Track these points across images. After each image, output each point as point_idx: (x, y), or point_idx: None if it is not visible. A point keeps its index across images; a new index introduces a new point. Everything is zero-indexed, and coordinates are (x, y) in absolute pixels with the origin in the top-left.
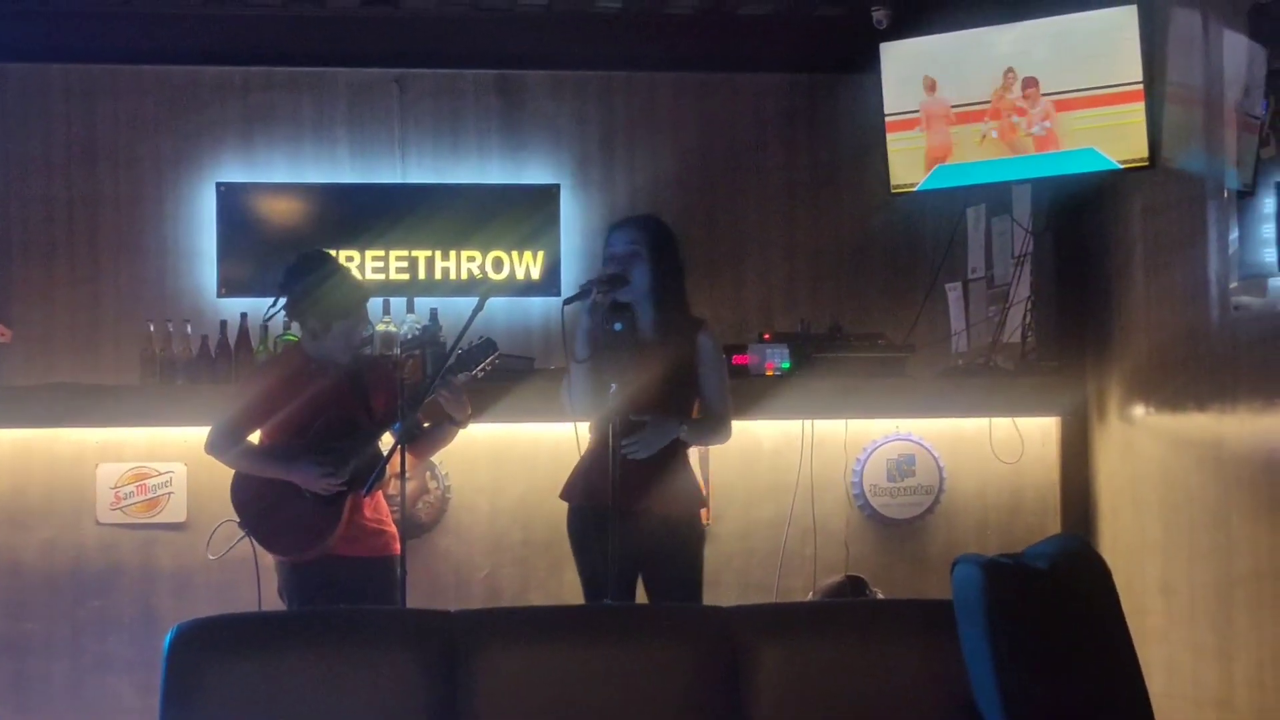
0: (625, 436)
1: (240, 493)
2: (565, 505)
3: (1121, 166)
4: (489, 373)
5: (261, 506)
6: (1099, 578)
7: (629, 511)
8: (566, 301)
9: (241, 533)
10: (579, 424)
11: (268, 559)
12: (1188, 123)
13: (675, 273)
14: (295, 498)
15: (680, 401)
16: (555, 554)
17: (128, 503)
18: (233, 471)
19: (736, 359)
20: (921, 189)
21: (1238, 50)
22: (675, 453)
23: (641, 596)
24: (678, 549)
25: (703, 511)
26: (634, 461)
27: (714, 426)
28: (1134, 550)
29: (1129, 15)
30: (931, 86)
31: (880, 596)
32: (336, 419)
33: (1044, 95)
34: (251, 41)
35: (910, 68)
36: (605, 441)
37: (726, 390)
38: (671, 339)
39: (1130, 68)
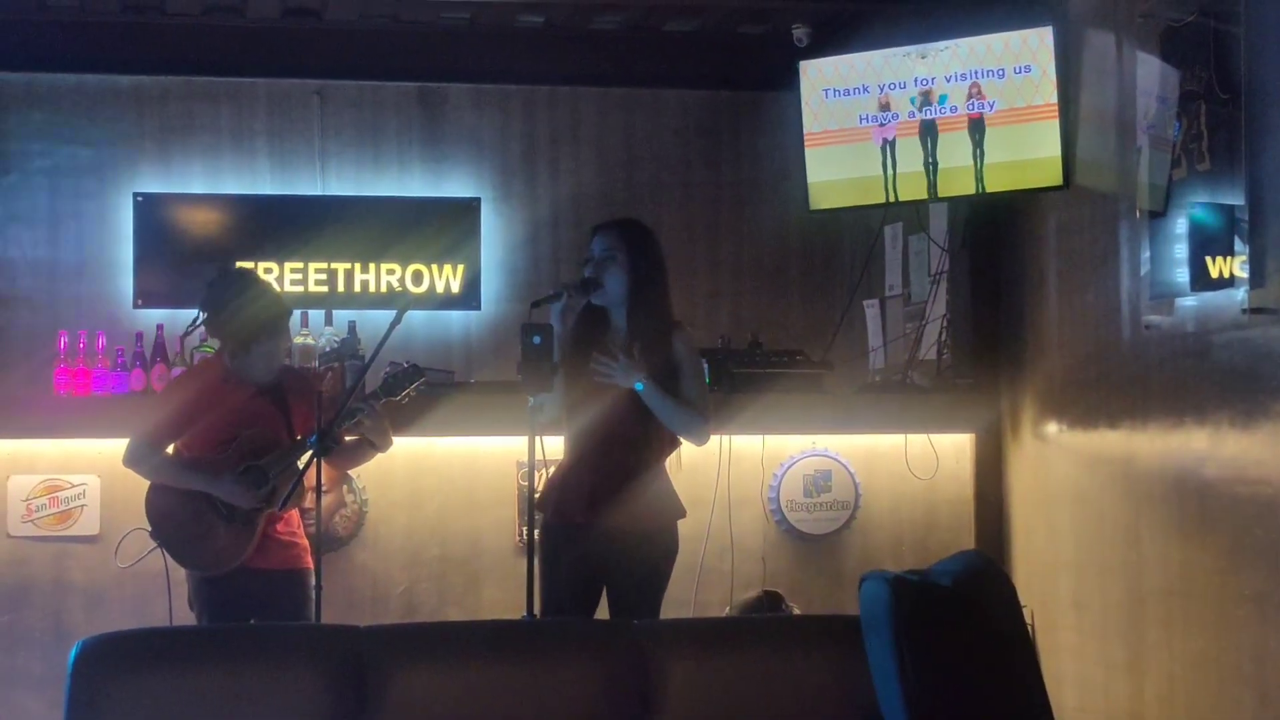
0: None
1: (156, 505)
2: (484, 521)
3: (1036, 187)
4: (413, 398)
5: (176, 520)
6: (1003, 594)
7: (601, 527)
8: (535, 304)
9: (153, 543)
10: (544, 439)
11: (179, 571)
12: (1101, 144)
13: (654, 277)
14: (210, 512)
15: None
16: (473, 569)
17: (39, 515)
18: (148, 483)
19: None
20: (838, 206)
21: (1150, 72)
22: (652, 467)
23: (604, 611)
24: (645, 563)
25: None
26: (609, 476)
27: (686, 411)
28: (1047, 566)
29: (1044, 36)
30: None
31: (796, 612)
32: (258, 433)
33: (961, 114)
34: (170, 50)
35: (829, 86)
36: (580, 456)
37: (705, 391)
38: (647, 347)
39: (1045, 89)
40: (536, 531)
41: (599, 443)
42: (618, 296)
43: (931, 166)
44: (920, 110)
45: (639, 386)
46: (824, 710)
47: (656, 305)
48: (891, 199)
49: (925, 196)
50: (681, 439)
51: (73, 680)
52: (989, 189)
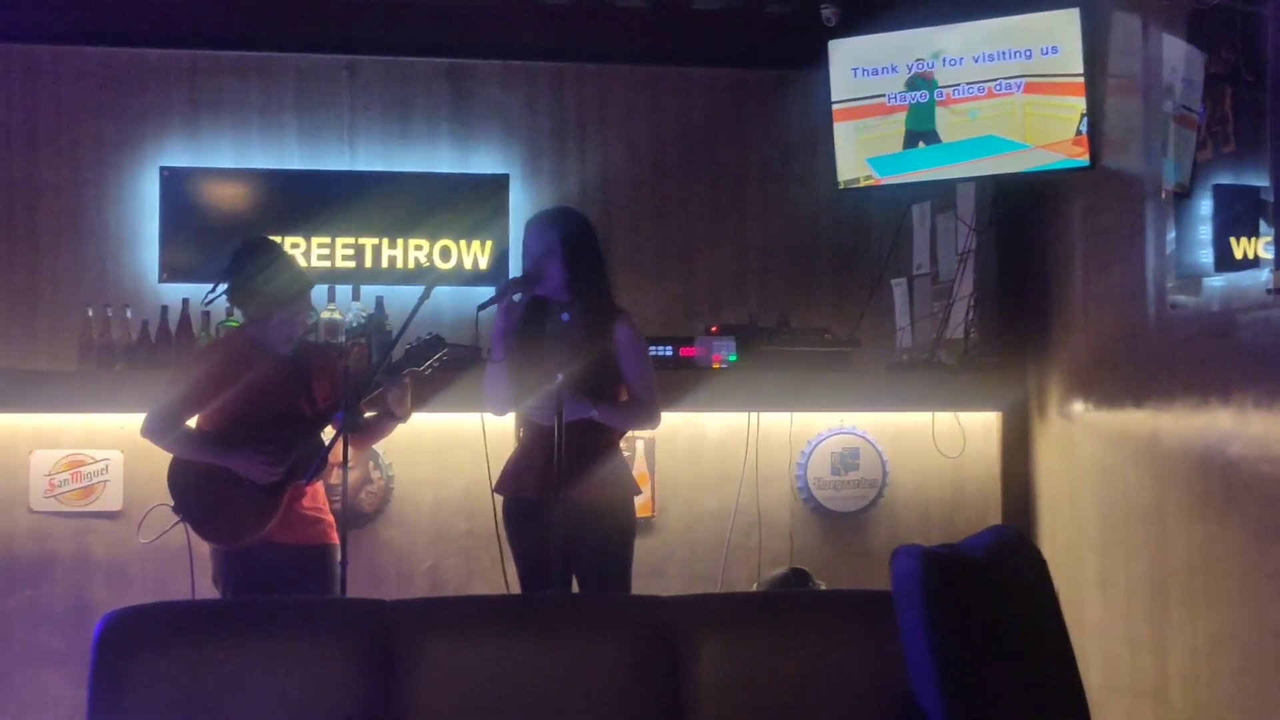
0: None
1: (178, 478)
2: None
3: (1063, 166)
4: (436, 368)
5: (199, 493)
6: (1035, 569)
7: (556, 504)
8: (481, 307)
9: (175, 518)
10: (510, 417)
11: (202, 547)
12: (1128, 124)
13: (592, 265)
14: (234, 485)
15: (603, 393)
16: (500, 545)
17: (62, 490)
18: (170, 456)
19: (684, 351)
20: (868, 183)
21: (1176, 54)
22: (602, 441)
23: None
24: (604, 538)
25: (638, 500)
26: (563, 455)
27: (636, 411)
28: (1072, 544)
29: (1071, 18)
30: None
31: (823, 588)
32: (278, 407)
33: (988, 94)
34: (199, 24)
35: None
36: (535, 435)
37: (650, 377)
38: (589, 332)
39: (1072, 69)
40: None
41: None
42: (558, 286)
43: (960, 145)
44: (947, 89)
45: (594, 414)
46: (854, 685)
47: (597, 292)
48: (919, 178)
49: (953, 176)
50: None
51: (98, 654)
52: (1021, 169)
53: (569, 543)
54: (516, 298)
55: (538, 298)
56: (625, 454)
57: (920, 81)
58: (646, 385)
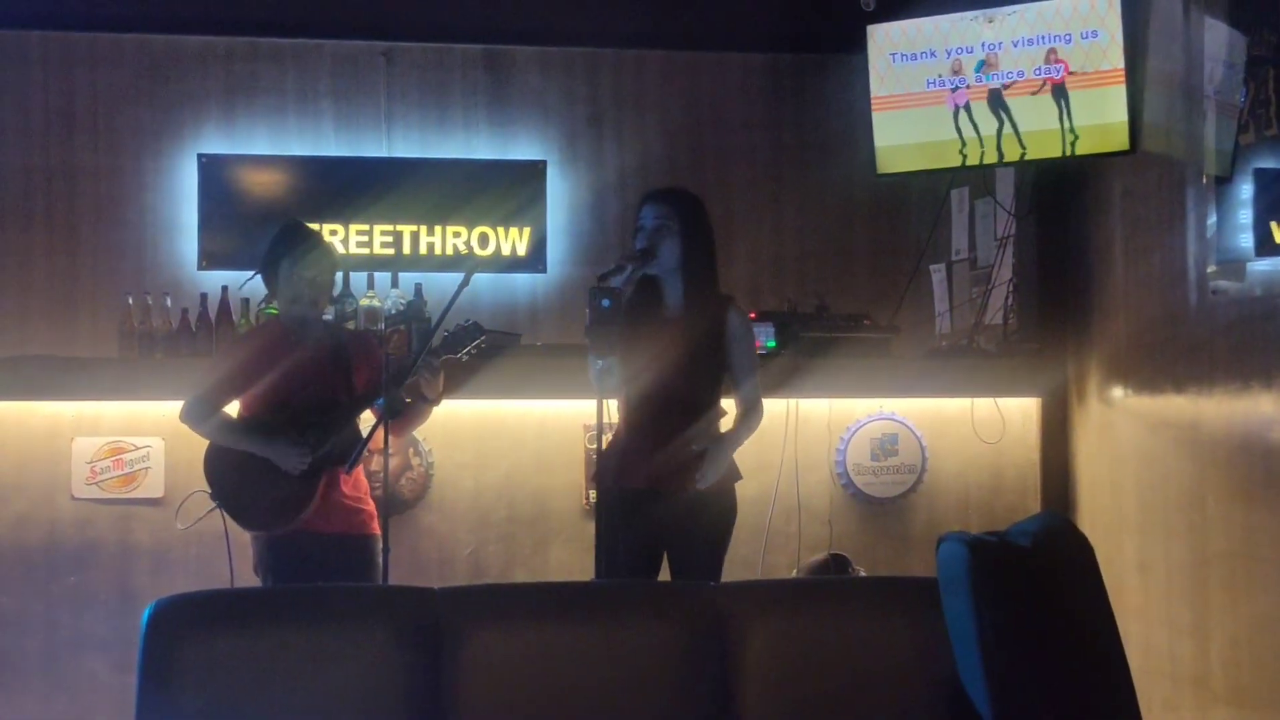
0: (670, 435)
1: (214, 465)
2: (551, 483)
3: (1103, 151)
4: (473, 355)
5: (235, 480)
6: (1082, 555)
7: (662, 492)
8: (600, 278)
9: (212, 504)
10: (609, 402)
11: (242, 535)
12: (1168, 109)
13: (705, 248)
14: (270, 472)
15: (707, 378)
16: (540, 531)
17: (104, 477)
18: (208, 443)
19: None
20: (906, 170)
21: (1218, 37)
22: (710, 430)
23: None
24: (706, 527)
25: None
26: (665, 441)
27: (748, 419)
28: (1112, 529)
29: (1111, 1)
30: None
31: (863, 574)
32: (317, 394)
33: (1028, 79)
34: (236, 11)
35: (897, 50)
36: (637, 423)
37: (755, 369)
38: (699, 315)
39: (1112, 54)
40: (593, 495)
41: (654, 409)
42: (670, 266)
43: (1005, 131)
44: (988, 76)
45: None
46: (900, 672)
47: (707, 275)
48: (964, 163)
49: (997, 161)
50: None
51: (146, 641)
52: (1077, 153)
53: (668, 532)
54: (628, 274)
55: (649, 277)
56: None
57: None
58: (751, 378)
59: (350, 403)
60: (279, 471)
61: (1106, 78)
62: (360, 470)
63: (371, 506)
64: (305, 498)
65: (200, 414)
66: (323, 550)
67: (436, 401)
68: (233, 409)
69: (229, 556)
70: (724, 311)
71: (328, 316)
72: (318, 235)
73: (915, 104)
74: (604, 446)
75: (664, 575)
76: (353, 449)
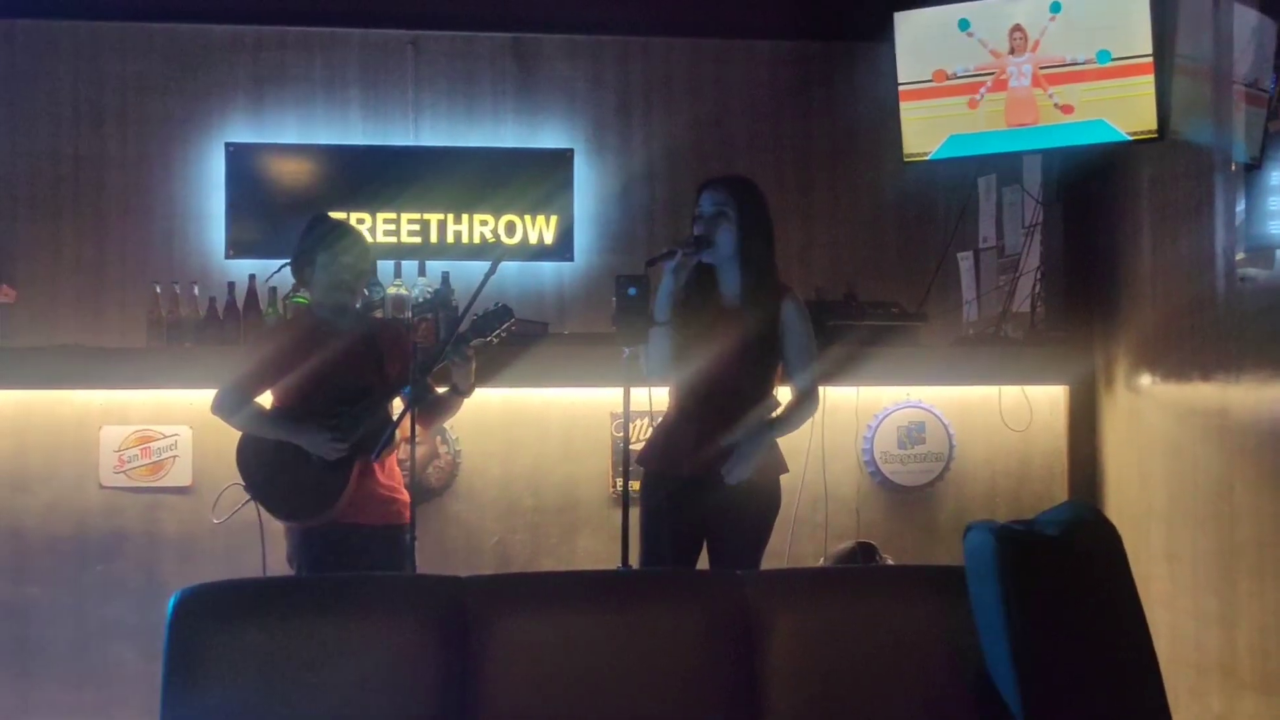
0: (716, 432)
1: (246, 456)
2: (578, 471)
3: (1130, 138)
4: (503, 338)
5: (268, 471)
6: (1110, 544)
7: (706, 480)
8: (649, 262)
9: (247, 497)
10: (654, 388)
11: (276, 525)
12: (1196, 95)
13: (762, 236)
14: (302, 462)
15: (761, 369)
16: (567, 520)
17: (131, 466)
18: (239, 434)
19: None
20: (934, 158)
21: (1247, 24)
22: (758, 421)
23: (704, 563)
24: (749, 518)
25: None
26: (716, 430)
27: (801, 407)
28: (1139, 517)
29: None
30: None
31: (890, 563)
32: (349, 383)
33: (1054, 66)
34: (264, 0)
35: (924, 36)
36: (689, 411)
37: (813, 361)
38: (755, 305)
39: (1140, 40)
40: (634, 483)
41: (706, 397)
42: (727, 254)
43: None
44: (1016, 59)
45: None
46: (928, 660)
47: (765, 264)
48: (990, 150)
49: (1025, 147)
50: None
51: (172, 630)
52: (1084, 141)
53: (711, 519)
54: (678, 259)
55: (705, 265)
56: None
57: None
58: (808, 368)
59: (382, 391)
60: (312, 462)
61: (1134, 63)
62: (394, 459)
63: (406, 496)
64: (337, 488)
65: (232, 405)
66: (358, 541)
67: (469, 392)
68: (264, 400)
69: (262, 548)
70: (779, 300)
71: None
72: (350, 225)
73: (943, 93)
74: (651, 431)
75: (702, 563)
76: (380, 437)
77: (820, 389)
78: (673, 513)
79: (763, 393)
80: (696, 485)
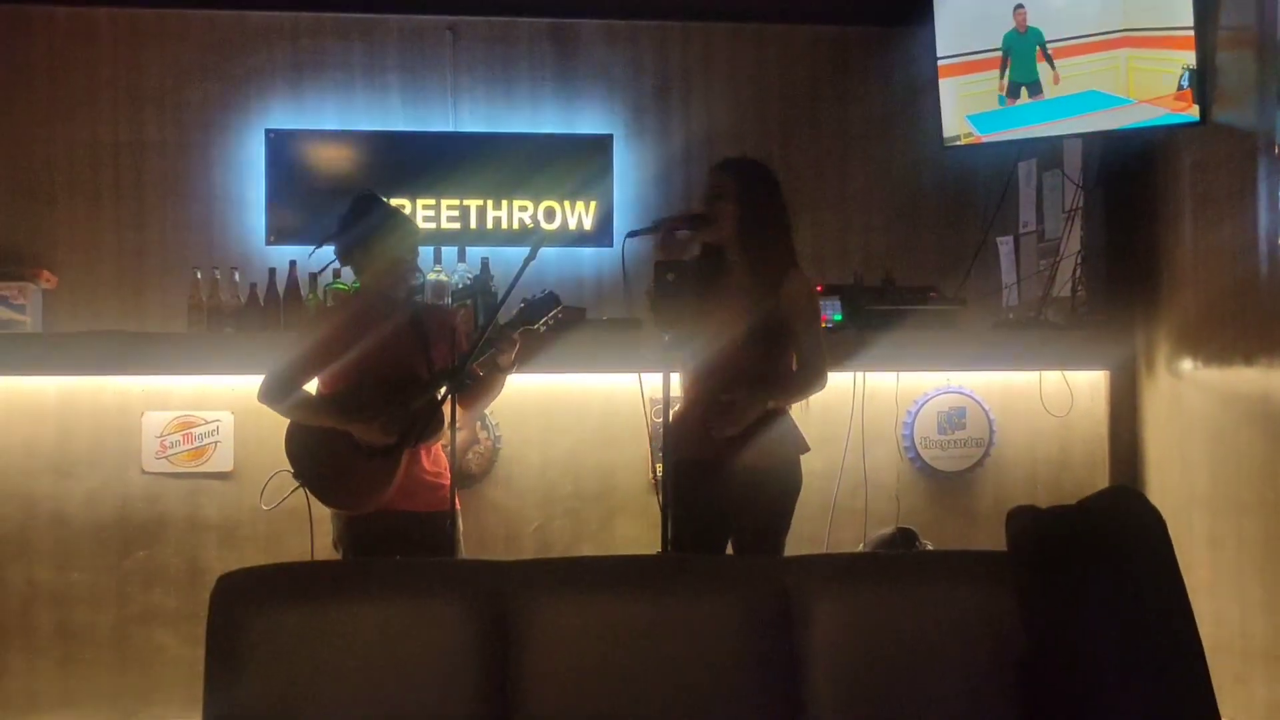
0: (714, 410)
1: (295, 444)
2: (617, 457)
3: (1171, 121)
4: (549, 325)
5: (317, 459)
6: (1153, 529)
7: (723, 465)
8: (630, 234)
9: (295, 484)
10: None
11: (321, 510)
12: (1239, 77)
13: (764, 217)
14: (351, 450)
15: (768, 350)
16: (606, 506)
17: (173, 451)
18: (286, 421)
19: None
20: (970, 140)
21: None
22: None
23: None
24: (770, 499)
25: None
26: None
27: (805, 380)
28: (1181, 503)
29: None
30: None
31: (930, 549)
32: (398, 369)
33: (1089, 46)
34: None
35: (963, 20)
36: (699, 395)
37: (820, 339)
38: (760, 286)
39: (1182, 18)
40: (659, 469)
41: (720, 381)
42: (730, 234)
43: (1062, 101)
44: (1049, 42)
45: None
46: (969, 646)
47: (770, 246)
48: (1021, 135)
49: (1055, 133)
50: None
51: (214, 614)
52: (1124, 124)
53: (732, 505)
54: (682, 237)
55: (710, 246)
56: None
57: (1017, 35)
58: (815, 347)
59: (430, 377)
60: (361, 450)
61: (1176, 43)
62: (439, 445)
63: (449, 481)
64: (387, 475)
65: (281, 392)
66: (405, 527)
67: (509, 370)
68: (309, 387)
69: (310, 532)
70: (783, 279)
71: None
72: (396, 207)
73: (981, 73)
74: (671, 419)
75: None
76: (429, 424)
77: (825, 372)
78: (694, 497)
79: (773, 374)
80: (712, 468)
